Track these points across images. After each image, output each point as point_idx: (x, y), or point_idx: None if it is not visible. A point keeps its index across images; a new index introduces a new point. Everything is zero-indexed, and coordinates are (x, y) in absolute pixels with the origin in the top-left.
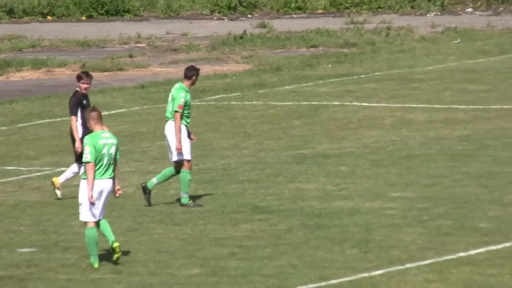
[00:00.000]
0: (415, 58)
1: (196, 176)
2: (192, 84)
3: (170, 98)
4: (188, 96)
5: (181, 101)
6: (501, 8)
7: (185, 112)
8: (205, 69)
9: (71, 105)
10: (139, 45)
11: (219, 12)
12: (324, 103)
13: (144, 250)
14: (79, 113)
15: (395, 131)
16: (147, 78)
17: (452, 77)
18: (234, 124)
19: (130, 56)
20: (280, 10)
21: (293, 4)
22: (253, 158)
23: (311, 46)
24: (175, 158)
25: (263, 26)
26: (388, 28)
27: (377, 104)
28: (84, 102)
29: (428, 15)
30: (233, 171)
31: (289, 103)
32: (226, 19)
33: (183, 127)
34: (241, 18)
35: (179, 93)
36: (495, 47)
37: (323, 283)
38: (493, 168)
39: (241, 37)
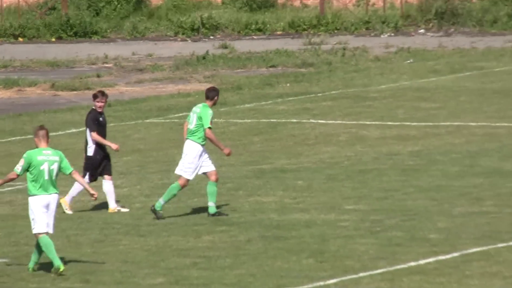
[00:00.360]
0: (369, 77)
1: (160, 190)
2: (214, 104)
3: (192, 119)
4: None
5: (211, 118)
6: (452, 29)
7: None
8: (169, 88)
9: (88, 122)
10: (106, 65)
11: (183, 34)
12: (283, 120)
13: (110, 261)
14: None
15: (349, 147)
16: (113, 97)
17: (404, 96)
18: None
19: (98, 76)
20: (241, 32)
21: (253, 26)
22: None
23: (271, 66)
24: (185, 175)
25: (224, 47)
26: (344, 49)
27: (333, 121)
28: (100, 119)
29: (382, 36)
30: (195, 185)
31: (249, 120)
32: (190, 40)
33: (200, 147)
34: (203, 40)
35: (207, 112)
36: (446, 66)
37: None
38: (442, 182)
39: (204, 58)
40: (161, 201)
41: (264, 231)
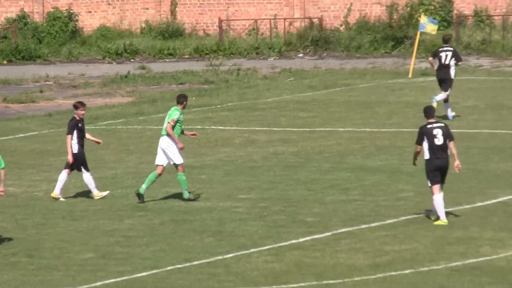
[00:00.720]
0: (258, 92)
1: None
2: (184, 107)
3: (166, 119)
4: (181, 116)
5: (175, 117)
6: (325, 54)
7: (177, 127)
8: (98, 101)
9: (69, 127)
10: (48, 83)
11: (109, 57)
12: (189, 127)
13: (50, 240)
14: (75, 134)
15: (243, 148)
16: (53, 108)
17: (287, 107)
18: (120, 143)
19: (41, 91)
20: (155, 56)
21: (166, 51)
22: (135, 169)
23: (179, 83)
24: (178, 161)
25: (142, 68)
26: (238, 69)
27: (230, 128)
28: (79, 125)
29: (269, 59)
30: (119, 179)
31: (162, 127)
32: (115, 63)
33: (173, 141)
34: (126, 62)
35: (175, 112)
36: (319, 83)
37: (187, 264)
38: (317, 176)
39: (126, 76)
40: (184, 191)
41: (174, 215)
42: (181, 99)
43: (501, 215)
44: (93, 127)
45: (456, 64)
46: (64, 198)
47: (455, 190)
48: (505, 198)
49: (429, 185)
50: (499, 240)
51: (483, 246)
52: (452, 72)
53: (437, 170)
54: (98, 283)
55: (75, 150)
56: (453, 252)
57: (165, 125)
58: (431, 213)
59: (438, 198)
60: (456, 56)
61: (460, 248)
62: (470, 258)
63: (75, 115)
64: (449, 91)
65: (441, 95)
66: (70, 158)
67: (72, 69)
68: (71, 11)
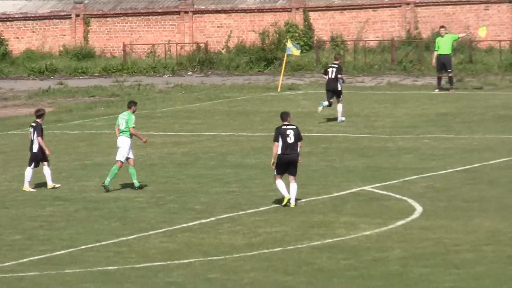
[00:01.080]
0: (155, 103)
1: (19, 178)
2: (133, 112)
3: (121, 121)
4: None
5: (134, 121)
6: (209, 72)
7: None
8: (24, 110)
9: (40, 130)
10: None
11: (33, 75)
12: (99, 132)
13: None
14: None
15: (142, 149)
16: None
17: (179, 115)
18: None
19: None
20: (71, 74)
21: (80, 70)
22: (54, 166)
23: (91, 96)
24: (121, 158)
25: (61, 84)
26: (139, 85)
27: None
28: (42, 128)
29: (164, 76)
30: (41, 174)
31: (77, 132)
32: (38, 79)
33: (129, 140)
34: (47, 79)
35: (131, 117)
36: (205, 96)
37: (97, 244)
38: (204, 172)
39: (47, 91)
40: (108, 179)
41: (86, 204)
42: (130, 105)
43: (353, 203)
44: (20, 132)
45: (336, 76)
46: (57, 184)
47: (315, 183)
48: (357, 189)
49: (275, 173)
50: (351, 224)
51: (338, 228)
52: (339, 84)
53: (285, 164)
54: (24, 260)
55: (35, 149)
56: (314, 233)
57: (122, 127)
58: (297, 202)
59: (279, 182)
60: (337, 70)
61: (320, 230)
62: (328, 238)
63: (38, 120)
64: (341, 98)
65: (326, 102)
66: (47, 152)
67: (3, 85)
68: (1, 37)
